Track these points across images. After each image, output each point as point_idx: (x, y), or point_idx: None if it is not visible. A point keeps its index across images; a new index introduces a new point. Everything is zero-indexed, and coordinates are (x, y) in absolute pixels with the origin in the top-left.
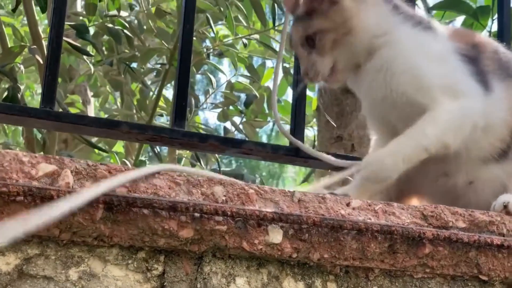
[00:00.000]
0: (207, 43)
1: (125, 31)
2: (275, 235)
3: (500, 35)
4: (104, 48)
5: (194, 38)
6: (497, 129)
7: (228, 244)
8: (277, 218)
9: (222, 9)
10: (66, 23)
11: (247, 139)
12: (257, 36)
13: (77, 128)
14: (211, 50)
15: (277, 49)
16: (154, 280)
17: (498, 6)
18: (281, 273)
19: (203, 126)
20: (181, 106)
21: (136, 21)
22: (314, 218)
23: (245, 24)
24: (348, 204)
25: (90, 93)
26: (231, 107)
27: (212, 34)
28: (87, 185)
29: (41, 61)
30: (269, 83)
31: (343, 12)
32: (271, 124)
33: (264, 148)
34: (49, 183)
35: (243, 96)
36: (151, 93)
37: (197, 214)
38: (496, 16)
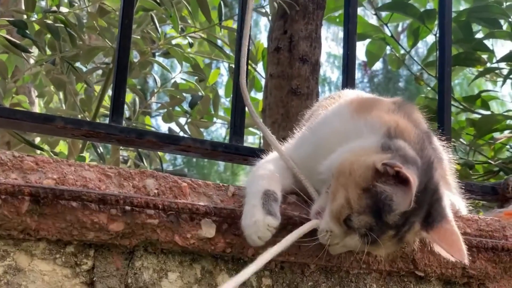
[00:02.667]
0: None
1: (67, 29)
2: (208, 230)
3: (441, 40)
4: (46, 47)
5: (139, 37)
6: None
7: (160, 238)
8: (210, 212)
9: (167, 8)
10: (5, 19)
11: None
12: (204, 36)
13: (10, 123)
14: (157, 49)
15: (224, 48)
16: (83, 275)
17: (439, 10)
18: (215, 269)
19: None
20: (118, 102)
21: (76, 18)
22: None
23: (190, 23)
24: None
25: (35, 94)
26: (177, 108)
27: (158, 35)
28: (13, 177)
29: None
30: (215, 84)
31: None
32: (217, 125)
33: (203, 144)
34: None
35: (189, 97)
36: (96, 93)
37: (128, 207)
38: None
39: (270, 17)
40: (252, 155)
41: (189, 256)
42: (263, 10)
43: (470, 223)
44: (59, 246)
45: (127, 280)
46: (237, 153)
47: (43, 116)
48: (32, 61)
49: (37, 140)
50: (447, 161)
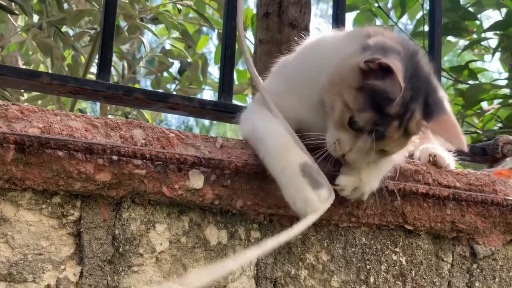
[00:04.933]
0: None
1: None
2: (196, 180)
3: (431, 10)
4: (33, 12)
5: (126, 1)
6: None
7: (147, 189)
8: (198, 163)
9: None
10: None
11: None
12: (191, 3)
13: None
14: (145, 15)
15: (213, 17)
16: (70, 226)
17: None
18: (203, 221)
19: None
20: (106, 58)
21: None
22: (236, 163)
23: None
24: None
25: (21, 62)
26: (165, 75)
27: (147, 3)
28: None
29: None
30: (204, 50)
31: None
32: (206, 91)
33: (191, 102)
34: None
35: (177, 63)
36: (83, 58)
37: (114, 157)
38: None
39: None
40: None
41: (177, 208)
42: None
43: (460, 177)
44: (45, 197)
45: (114, 231)
46: (226, 110)
47: (29, 72)
48: (18, 28)
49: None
50: None
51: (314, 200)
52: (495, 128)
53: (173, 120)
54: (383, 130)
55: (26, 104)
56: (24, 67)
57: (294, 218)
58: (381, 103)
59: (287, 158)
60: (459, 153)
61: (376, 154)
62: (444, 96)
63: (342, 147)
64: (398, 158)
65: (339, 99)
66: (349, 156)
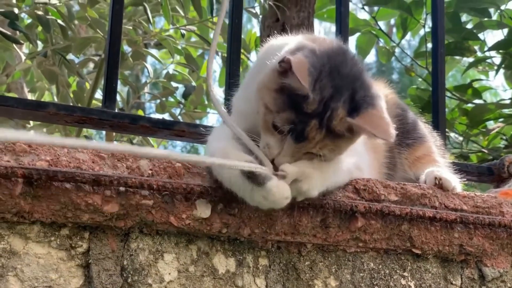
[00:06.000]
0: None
1: (58, 21)
2: (204, 210)
3: (434, 31)
4: (38, 40)
5: (131, 28)
6: None
7: (155, 219)
8: (205, 192)
9: None
10: None
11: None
12: (195, 28)
13: (1, 109)
14: (149, 40)
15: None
16: (79, 257)
17: (431, 2)
18: (211, 249)
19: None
20: (111, 87)
21: (66, 9)
22: None
23: (182, 14)
24: None
25: (26, 90)
26: (170, 99)
27: (150, 27)
28: (5, 159)
29: None
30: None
31: None
32: (211, 115)
33: (197, 129)
34: None
35: (182, 87)
36: (88, 85)
37: (122, 188)
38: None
39: (260, 19)
40: None
41: (184, 237)
42: (254, 11)
43: (467, 200)
44: (54, 229)
45: (123, 262)
46: None
47: (35, 103)
48: (23, 56)
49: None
50: (432, 141)
51: (266, 196)
52: (500, 145)
53: (177, 141)
54: (301, 129)
55: (32, 131)
56: (29, 94)
57: (302, 244)
58: (299, 103)
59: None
60: (465, 173)
61: (314, 158)
62: (377, 95)
63: (271, 151)
64: (351, 168)
65: (261, 103)
66: (277, 160)
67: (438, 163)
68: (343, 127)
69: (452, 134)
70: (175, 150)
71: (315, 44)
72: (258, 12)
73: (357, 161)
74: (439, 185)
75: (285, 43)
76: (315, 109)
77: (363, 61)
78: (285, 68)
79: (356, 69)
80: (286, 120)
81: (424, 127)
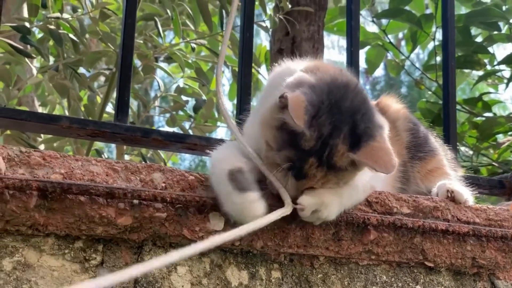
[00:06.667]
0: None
1: (70, 35)
2: (217, 222)
3: (444, 44)
4: (50, 54)
5: (141, 42)
6: None
7: (168, 231)
8: (218, 205)
9: (169, 12)
10: (8, 24)
11: None
12: (205, 42)
13: (15, 123)
14: (159, 54)
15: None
16: (92, 270)
17: (442, 16)
18: (224, 262)
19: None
20: (123, 101)
21: (78, 24)
22: None
23: (192, 28)
24: None
25: (37, 104)
26: (180, 112)
27: (161, 40)
28: (20, 172)
29: None
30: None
31: None
32: (220, 129)
33: (209, 142)
34: None
35: (192, 101)
36: (99, 98)
37: (135, 201)
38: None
39: (270, 32)
40: None
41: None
42: (264, 25)
43: (479, 213)
44: (68, 242)
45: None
46: None
47: (48, 116)
48: (34, 70)
49: (42, 147)
50: (443, 154)
51: (241, 203)
52: (510, 158)
53: (187, 155)
54: (299, 167)
55: (43, 148)
56: (40, 108)
57: (314, 257)
58: (297, 140)
59: (219, 167)
60: (477, 186)
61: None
62: (378, 125)
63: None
64: (366, 185)
65: (263, 140)
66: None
67: (449, 176)
68: (345, 162)
69: (462, 148)
70: (184, 163)
71: (317, 76)
72: (268, 26)
73: (371, 178)
74: (451, 198)
75: (291, 71)
76: (312, 147)
77: (363, 91)
78: (284, 103)
79: (357, 100)
80: (285, 158)
81: (435, 141)
